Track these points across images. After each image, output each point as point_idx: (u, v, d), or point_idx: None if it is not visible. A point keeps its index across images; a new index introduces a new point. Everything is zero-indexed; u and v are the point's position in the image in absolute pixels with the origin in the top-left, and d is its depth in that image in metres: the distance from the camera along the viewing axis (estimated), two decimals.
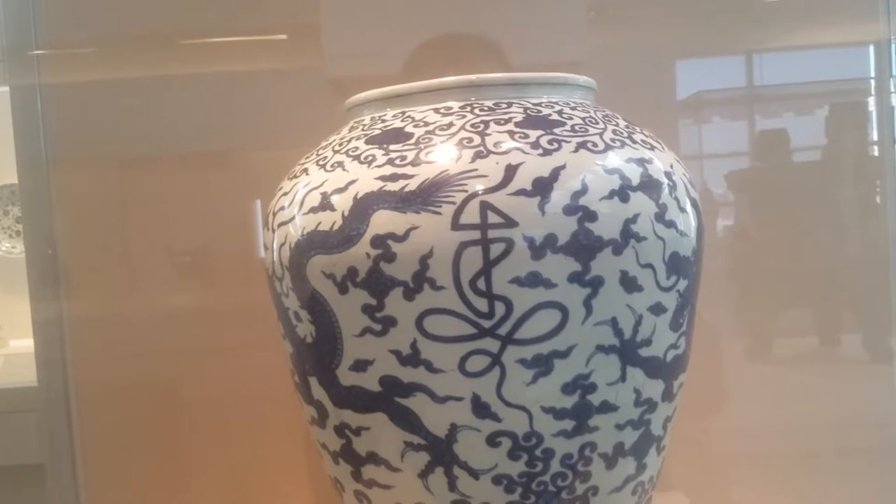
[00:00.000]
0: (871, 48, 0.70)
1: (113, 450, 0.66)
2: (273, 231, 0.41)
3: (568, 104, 0.40)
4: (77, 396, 0.66)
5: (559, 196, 0.35)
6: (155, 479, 0.66)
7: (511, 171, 0.35)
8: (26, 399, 0.74)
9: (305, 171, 0.40)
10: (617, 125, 0.40)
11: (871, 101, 0.71)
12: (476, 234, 0.35)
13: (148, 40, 0.66)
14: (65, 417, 0.66)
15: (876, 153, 0.72)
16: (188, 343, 0.65)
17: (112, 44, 0.66)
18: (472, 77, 0.40)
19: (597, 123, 0.39)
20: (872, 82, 0.71)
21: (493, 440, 0.37)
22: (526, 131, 0.37)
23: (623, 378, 0.37)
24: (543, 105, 0.40)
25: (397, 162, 0.37)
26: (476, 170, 0.36)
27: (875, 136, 0.71)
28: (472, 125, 0.38)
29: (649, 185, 0.37)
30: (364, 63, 0.65)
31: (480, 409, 0.36)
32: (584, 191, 0.36)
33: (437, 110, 0.39)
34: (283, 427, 0.64)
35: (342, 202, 0.37)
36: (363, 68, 0.65)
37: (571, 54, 0.67)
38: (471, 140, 0.37)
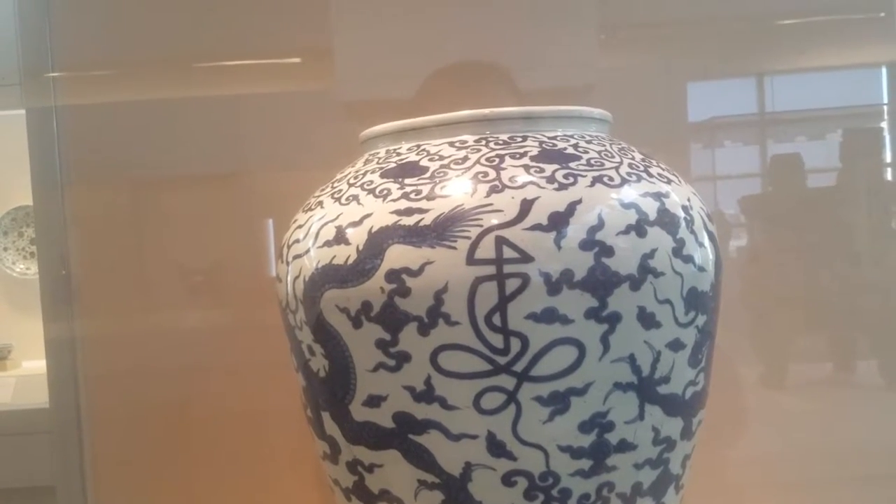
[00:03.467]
0: (884, 70, 0.70)
1: (124, 471, 0.66)
2: (287, 263, 0.40)
3: (583, 137, 0.40)
4: (88, 418, 0.66)
5: (575, 231, 0.35)
6: (166, 502, 0.65)
7: (527, 205, 0.35)
8: (38, 421, 0.74)
9: (320, 203, 0.40)
10: (633, 158, 0.40)
11: (885, 126, 0.71)
12: (491, 269, 0.34)
13: (162, 63, 0.67)
14: (76, 439, 0.66)
15: (890, 178, 0.72)
16: (200, 363, 0.65)
17: (127, 67, 0.67)
18: (486, 111, 0.40)
19: (613, 157, 0.39)
20: (885, 107, 0.70)
21: (508, 479, 0.36)
22: (541, 165, 0.37)
23: (641, 416, 0.37)
24: (559, 139, 0.39)
25: (412, 196, 0.37)
26: (491, 204, 0.35)
27: (889, 161, 0.71)
28: (488, 159, 0.38)
29: (666, 220, 0.37)
30: (376, 87, 0.66)
31: (495, 447, 0.36)
32: (600, 225, 0.35)
33: (451, 144, 0.39)
34: (297, 452, 0.63)
35: (357, 236, 0.37)
36: (375, 92, 0.66)
37: (583, 78, 0.67)
38: (486, 174, 0.37)
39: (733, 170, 0.71)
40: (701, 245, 0.38)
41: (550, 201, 0.35)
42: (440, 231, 0.35)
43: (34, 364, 1.23)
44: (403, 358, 0.36)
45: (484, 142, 0.39)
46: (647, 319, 0.36)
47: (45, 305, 0.67)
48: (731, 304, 0.64)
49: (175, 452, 0.65)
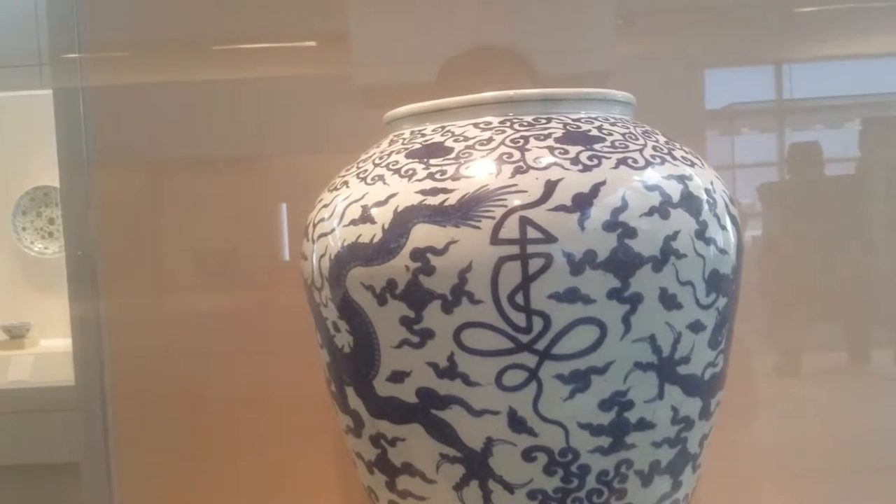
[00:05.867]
0: None
1: (147, 449, 0.67)
2: (313, 242, 0.41)
3: (607, 120, 0.40)
4: (112, 396, 0.67)
5: (599, 212, 0.35)
6: (188, 479, 0.66)
7: (551, 186, 0.36)
8: (61, 398, 0.75)
9: (346, 183, 0.41)
10: (657, 141, 0.40)
11: None
12: (515, 249, 0.35)
13: (183, 46, 0.67)
14: (101, 417, 0.67)
15: None
16: (220, 344, 0.66)
17: (150, 49, 0.67)
18: (511, 93, 0.40)
19: (637, 139, 0.39)
20: None
21: (528, 455, 0.37)
22: (566, 147, 0.37)
23: (661, 395, 0.37)
24: (583, 121, 0.40)
25: (437, 176, 0.37)
26: (516, 185, 0.36)
27: None
28: (512, 140, 0.38)
29: (689, 202, 0.37)
30: (392, 71, 0.66)
31: (516, 423, 0.36)
32: (623, 207, 0.36)
33: (476, 125, 0.40)
34: (316, 430, 0.64)
35: (382, 215, 0.37)
36: (391, 76, 0.66)
37: (600, 64, 0.67)
38: (510, 155, 0.37)
39: (751, 157, 0.71)
40: (723, 228, 0.39)
41: (574, 182, 0.36)
42: (465, 211, 0.36)
43: (52, 342, 1.25)
44: (427, 335, 0.36)
45: (508, 123, 0.39)
46: (668, 300, 0.36)
47: (71, 285, 0.68)
48: (747, 291, 0.64)
49: (197, 431, 0.66)
